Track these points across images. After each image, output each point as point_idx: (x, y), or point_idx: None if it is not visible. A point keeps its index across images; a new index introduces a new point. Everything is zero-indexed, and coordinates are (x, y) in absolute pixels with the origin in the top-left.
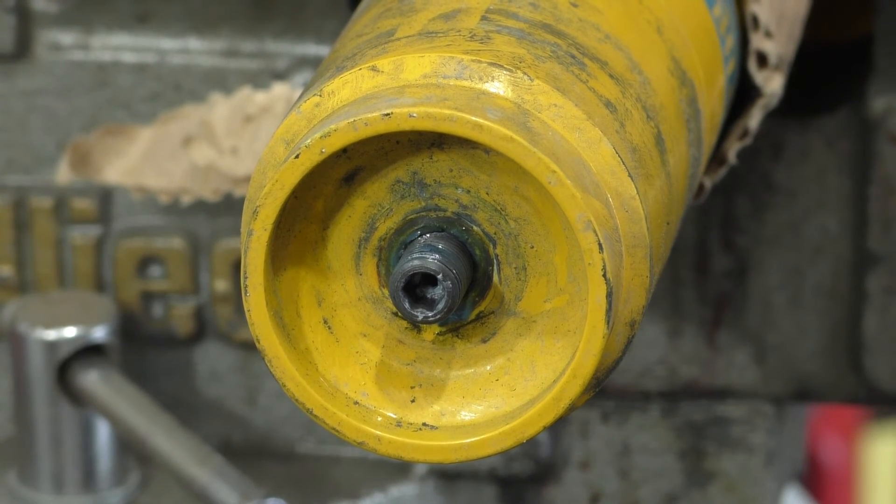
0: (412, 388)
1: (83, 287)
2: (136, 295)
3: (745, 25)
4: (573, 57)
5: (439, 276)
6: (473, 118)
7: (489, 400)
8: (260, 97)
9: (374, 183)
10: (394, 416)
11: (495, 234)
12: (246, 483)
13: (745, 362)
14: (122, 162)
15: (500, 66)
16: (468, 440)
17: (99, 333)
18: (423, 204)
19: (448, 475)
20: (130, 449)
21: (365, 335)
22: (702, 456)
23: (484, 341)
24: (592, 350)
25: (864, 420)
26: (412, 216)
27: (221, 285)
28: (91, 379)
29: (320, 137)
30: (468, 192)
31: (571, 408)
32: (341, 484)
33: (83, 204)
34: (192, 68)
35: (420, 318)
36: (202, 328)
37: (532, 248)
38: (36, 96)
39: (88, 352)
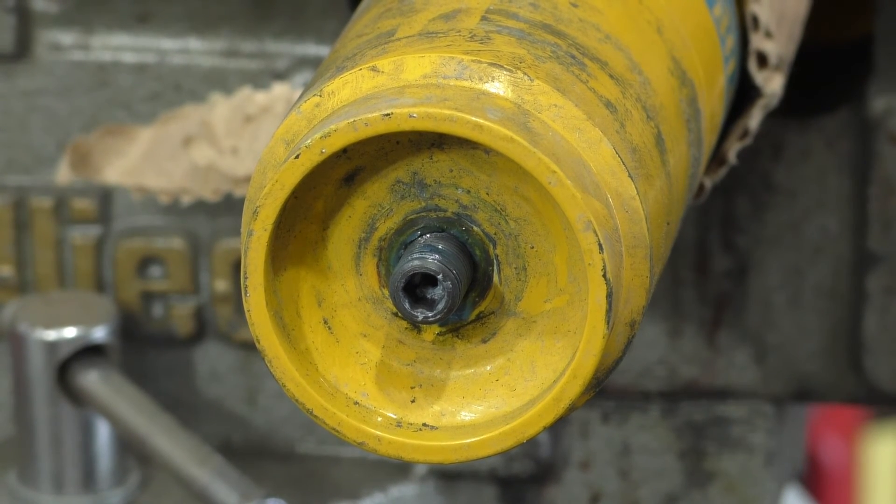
0: (412, 388)
1: (83, 287)
2: (136, 295)
3: (745, 25)
4: (573, 57)
5: (439, 277)
6: (473, 118)
7: (489, 400)
8: (260, 97)
9: (374, 183)
10: (394, 417)
11: (495, 234)
12: (246, 483)
13: (745, 362)
14: (122, 162)
15: (501, 67)
16: (468, 440)
17: (99, 333)
18: (424, 204)
19: (448, 475)
20: (130, 449)
21: (365, 335)
22: (702, 456)
23: (484, 341)
24: (592, 350)
25: (864, 420)
26: (412, 216)
27: (221, 285)
28: (91, 379)
29: (320, 138)
30: (468, 192)
31: (571, 408)
32: (341, 484)
33: (83, 204)
34: (193, 68)
35: (420, 318)
36: (202, 328)
37: (532, 248)
38: (36, 96)
39: (88, 352)
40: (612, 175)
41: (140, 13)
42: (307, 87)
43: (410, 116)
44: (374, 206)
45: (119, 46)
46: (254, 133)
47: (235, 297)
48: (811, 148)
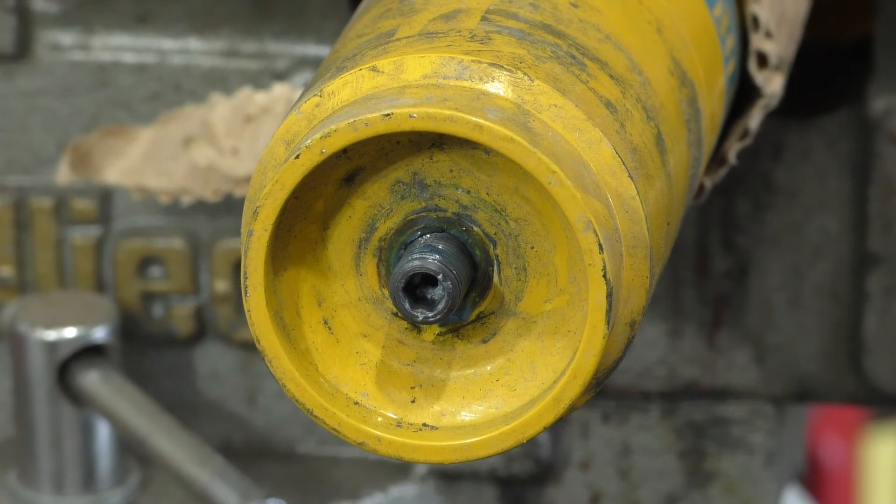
0: (412, 388)
1: (83, 287)
2: (136, 295)
3: (745, 26)
4: (573, 57)
5: (439, 277)
6: (474, 119)
7: (489, 400)
8: (260, 97)
9: (374, 183)
10: (394, 417)
11: (495, 234)
12: (246, 483)
13: (746, 363)
14: (122, 162)
15: (501, 67)
16: (468, 440)
17: (99, 334)
18: (424, 204)
19: (448, 476)
20: (131, 449)
21: (365, 335)
22: (702, 456)
23: (484, 342)
24: (593, 350)
25: (865, 420)
26: (412, 216)
27: (222, 286)
28: (91, 379)
29: (320, 138)
30: (468, 192)
31: (572, 408)
32: (341, 484)
33: (83, 204)
34: (193, 69)
35: (420, 318)
36: (202, 328)
37: (532, 248)
38: (36, 96)
39: (89, 352)
40: (613, 175)
41: (140, 13)
42: (307, 88)
43: (410, 117)
44: (375, 206)
45: (119, 47)
46: (254, 133)
47: (235, 298)
48: (811, 148)
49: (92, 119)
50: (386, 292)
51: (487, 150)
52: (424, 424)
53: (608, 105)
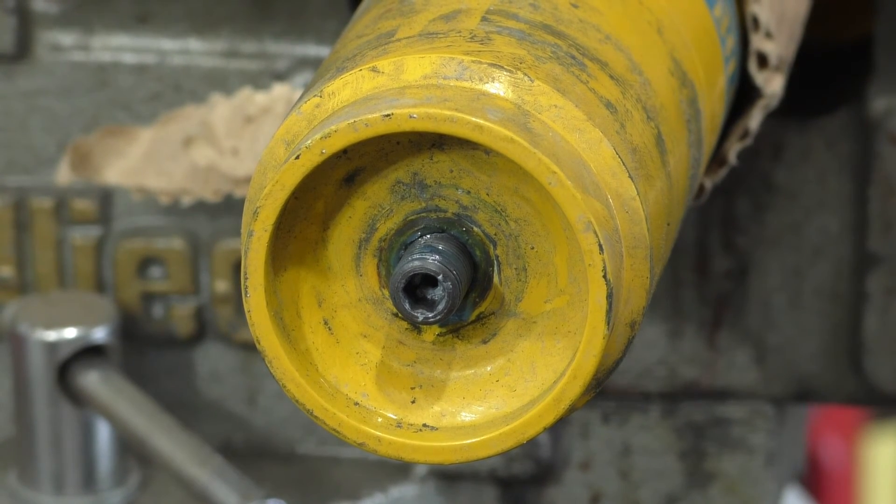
0: (412, 388)
1: (83, 288)
2: (136, 295)
3: (745, 26)
4: (573, 58)
5: (439, 277)
6: (474, 119)
7: (489, 401)
8: (260, 98)
9: (374, 184)
10: (394, 417)
11: (496, 234)
12: (246, 484)
13: (746, 363)
14: (122, 162)
15: (501, 67)
16: (468, 441)
17: (99, 334)
18: (424, 205)
19: (448, 476)
20: (131, 450)
21: (365, 336)
22: (702, 457)
23: (484, 342)
24: (593, 351)
25: (865, 421)
26: (412, 217)
27: (222, 286)
28: (91, 380)
29: (321, 138)
30: (468, 192)
31: (572, 409)
32: (341, 485)
33: (83, 204)
34: (193, 69)
35: (420, 318)
36: (202, 329)
37: (532, 248)
38: (36, 97)
39: (89, 352)
40: (613, 176)
41: (140, 14)
42: (307, 88)
43: (411, 117)
44: (375, 206)
45: (119, 47)
46: (254, 134)
47: (236, 298)
48: (811, 148)
49: (92, 119)
50: (386, 293)
51: (487, 151)
52: (424, 425)
53: (608, 105)
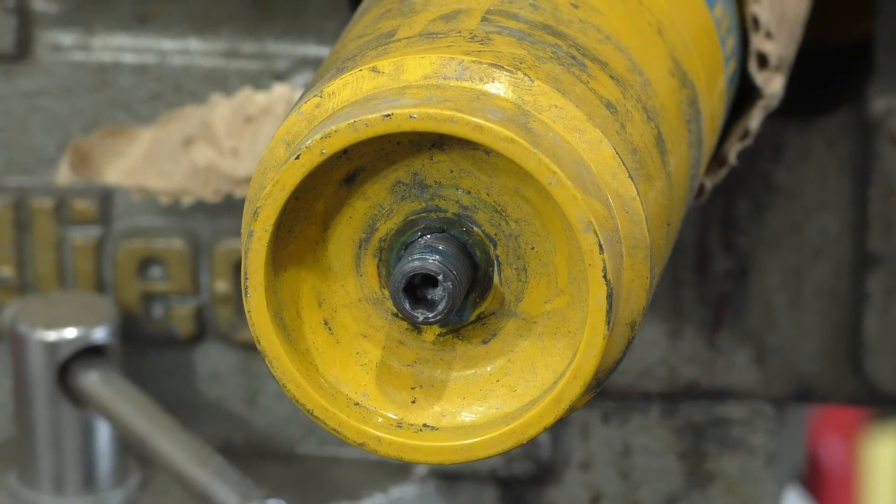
0: (413, 388)
1: (84, 288)
2: (136, 296)
3: (745, 26)
4: (574, 58)
5: (440, 277)
6: (474, 119)
7: (490, 401)
8: (260, 98)
9: (374, 184)
10: (394, 417)
11: (496, 235)
12: (246, 484)
13: (746, 363)
14: (122, 163)
15: (501, 67)
16: (469, 441)
17: (99, 334)
18: (424, 205)
19: (448, 476)
20: (131, 450)
21: (365, 336)
22: (702, 457)
23: (484, 342)
24: (593, 351)
25: (865, 421)
26: (413, 217)
27: (222, 286)
28: (91, 380)
29: (321, 138)
30: (469, 192)
31: (572, 409)
32: (342, 485)
33: (83, 205)
34: (193, 69)
35: (420, 318)
36: (203, 329)
37: (532, 248)
38: (36, 97)
39: (89, 353)
40: (613, 176)
41: (140, 14)
42: (307, 88)
43: (411, 117)
44: (375, 206)
45: (119, 47)
46: (254, 134)
47: (236, 298)
48: (811, 148)
49: (92, 119)
50: (386, 293)
51: (488, 151)
52: (425, 425)
53: (608, 106)
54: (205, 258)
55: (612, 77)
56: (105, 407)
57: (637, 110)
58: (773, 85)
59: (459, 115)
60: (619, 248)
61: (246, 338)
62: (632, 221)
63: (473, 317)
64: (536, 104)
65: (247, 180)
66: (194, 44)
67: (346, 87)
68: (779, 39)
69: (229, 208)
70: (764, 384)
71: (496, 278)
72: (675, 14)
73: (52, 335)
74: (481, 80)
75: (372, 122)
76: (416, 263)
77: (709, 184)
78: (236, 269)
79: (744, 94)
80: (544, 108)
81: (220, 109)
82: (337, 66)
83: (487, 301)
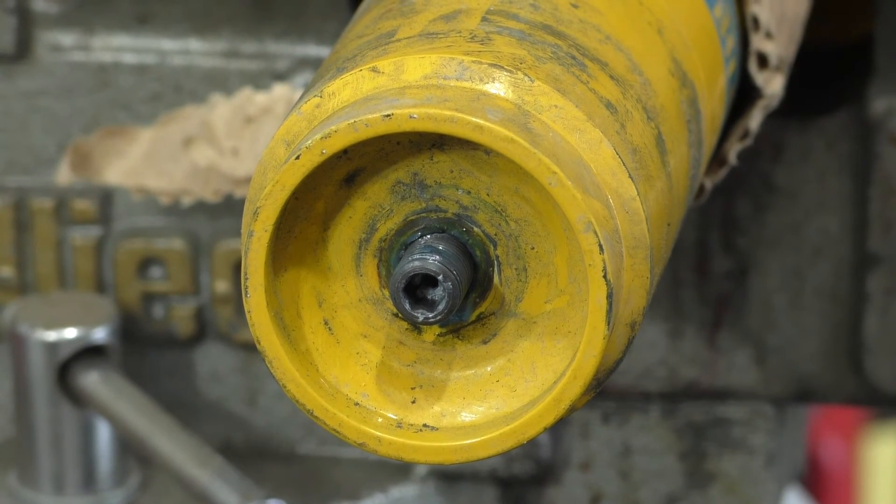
0: (413, 389)
1: (84, 288)
2: (136, 296)
3: (745, 26)
4: (574, 58)
5: (440, 278)
6: (474, 119)
7: (490, 401)
8: (260, 98)
9: (374, 184)
10: (394, 417)
11: (496, 235)
12: (246, 484)
13: (746, 363)
14: (122, 163)
15: (501, 68)
16: (469, 441)
17: (99, 334)
18: (424, 205)
19: (448, 476)
20: (131, 450)
21: (365, 336)
22: (702, 457)
23: (484, 342)
24: (593, 351)
25: (865, 421)
26: (413, 217)
27: (222, 286)
28: (92, 380)
29: (321, 138)
30: (469, 193)
31: (572, 409)
32: (342, 485)
33: (84, 205)
34: (193, 69)
35: (420, 319)
36: (203, 329)
37: (532, 249)
38: (36, 97)
39: (89, 353)
40: (613, 176)
41: (140, 14)
42: (308, 88)
43: (411, 117)
44: (375, 206)
45: (119, 47)
46: (254, 134)
47: (236, 298)
48: (811, 149)
49: (92, 119)
50: (386, 293)
51: (488, 151)
52: (425, 425)
53: (608, 106)
54: (205, 258)
55: (612, 77)
56: (105, 407)
57: (637, 110)
58: (773, 85)
59: (459, 115)
60: (619, 249)
61: (246, 338)
62: (632, 221)
63: (473, 317)
64: (536, 104)
65: (247, 180)
66: (194, 44)
67: (346, 88)
68: (779, 39)
69: (229, 208)
70: (764, 384)
71: (496, 278)
72: (675, 14)
73: (52, 335)
74: (481, 80)
75: (372, 123)
76: (416, 263)
77: (709, 184)
78: (236, 269)
79: (744, 94)
80: (544, 108)
81: (220, 109)
82: (337, 67)
83: (487, 301)
